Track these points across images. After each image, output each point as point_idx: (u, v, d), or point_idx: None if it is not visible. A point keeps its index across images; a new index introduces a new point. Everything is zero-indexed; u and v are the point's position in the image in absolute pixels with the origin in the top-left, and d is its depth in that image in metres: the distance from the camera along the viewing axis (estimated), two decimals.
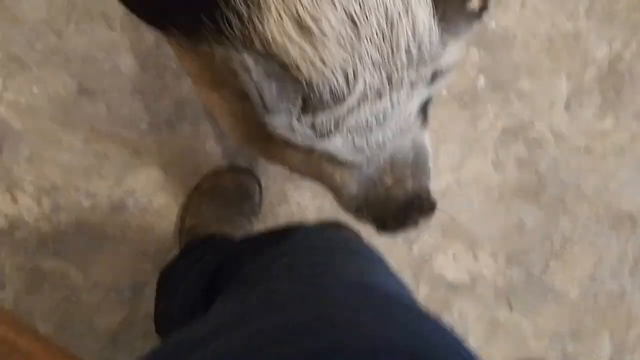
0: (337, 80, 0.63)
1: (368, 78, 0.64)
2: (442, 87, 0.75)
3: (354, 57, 0.63)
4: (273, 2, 0.60)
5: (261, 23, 0.61)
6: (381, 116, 0.68)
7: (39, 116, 1.23)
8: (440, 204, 1.32)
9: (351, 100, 0.65)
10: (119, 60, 1.23)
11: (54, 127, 1.23)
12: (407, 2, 0.63)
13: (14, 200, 1.23)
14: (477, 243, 1.37)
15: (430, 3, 0.65)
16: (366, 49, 0.62)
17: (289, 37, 0.60)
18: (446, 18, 0.66)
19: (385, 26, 0.62)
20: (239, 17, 0.62)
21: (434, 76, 0.71)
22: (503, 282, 1.38)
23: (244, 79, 0.61)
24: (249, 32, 0.63)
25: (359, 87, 0.64)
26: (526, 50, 1.34)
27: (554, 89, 1.35)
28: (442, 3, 0.65)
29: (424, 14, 0.64)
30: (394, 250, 1.34)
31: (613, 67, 1.36)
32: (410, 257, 1.35)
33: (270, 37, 0.61)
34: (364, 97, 0.66)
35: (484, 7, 0.65)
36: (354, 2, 0.60)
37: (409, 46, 0.64)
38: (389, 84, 0.66)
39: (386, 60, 0.64)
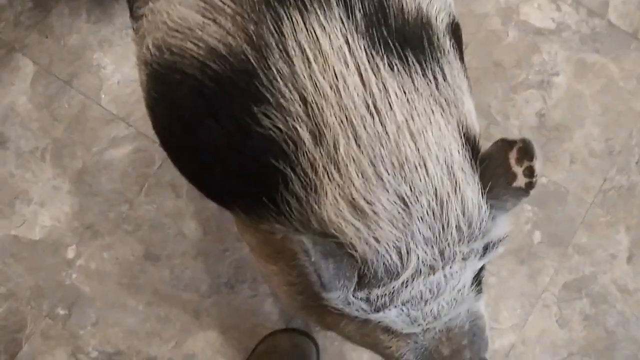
0: (390, 257, 0.66)
1: (421, 254, 0.67)
2: (495, 256, 0.76)
3: (406, 235, 0.66)
4: (329, 186, 0.65)
5: (318, 205, 0.66)
6: (435, 289, 0.70)
7: (107, 281, 1.29)
8: None
9: (405, 275, 0.68)
10: (183, 226, 1.31)
11: (119, 291, 1.28)
12: (455, 182, 0.67)
13: None
14: None
15: (478, 181, 0.69)
16: (418, 227, 0.66)
17: (344, 218, 0.64)
18: (493, 194, 0.69)
19: (435, 205, 0.66)
20: (298, 199, 0.67)
21: (486, 249, 0.73)
22: None
23: (302, 258, 0.64)
24: (307, 213, 0.67)
25: (412, 262, 0.67)
26: (580, 204, 1.34)
27: (613, 243, 1.33)
28: (489, 181, 0.69)
29: (473, 193, 0.68)
30: None
31: None
32: None
33: (326, 218, 0.66)
34: (417, 272, 0.68)
35: (530, 184, 0.68)
36: (404, 184, 0.65)
37: (459, 223, 0.67)
38: (441, 259, 0.69)
39: (437, 236, 0.67)
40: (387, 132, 0.64)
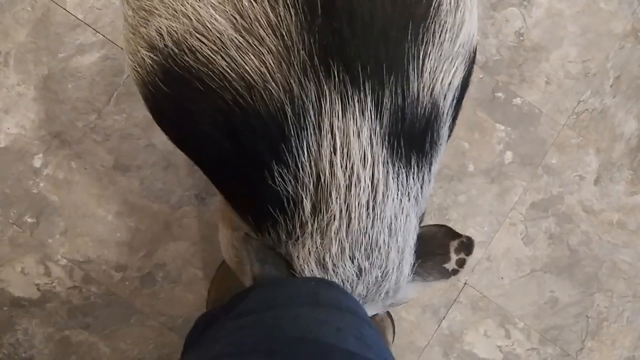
0: None
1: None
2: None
3: (348, 289, 0.79)
4: (309, 245, 0.74)
5: (293, 250, 0.75)
6: None
7: (75, 190, 1.27)
8: (470, 280, 1.31)
9: None
10: (153, 136, 1.28)
11: (88, 201, 1.27)
12: (402, 263, 0.78)
13: (47, 272, 1.26)
14: (508, 319, 1.34)
15: (414, 258, 0.81)
16: (360, 289, 0.78)
17: (308, 265, 0.75)
18: (424, 267, 0.81)
19: (380, 278, 0.78)
20: (279, 238, 0.76)
21: (390, 305, 0.87)
22: None
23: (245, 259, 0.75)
24: (280, 247, 0.77)
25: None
26: (553, 126, 1.35)
27: (582, 164, 1.35)
28: (427, 255, 0.81)
29: (408, 269, 0.80)
30: (423, 326, 1.31)
31: None
32: (440, 333, 1.32)
33: (294, 260, 0.75)
34: None
35: (455, 271, 0.80)
36: (367, 262, 0.76)
37: (389, 290, 0.80)
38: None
39: (368, 296, 0.80)
40: (373, 228, 0.74)
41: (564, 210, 1.35)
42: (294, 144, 0.70)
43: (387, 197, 0.74)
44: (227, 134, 0.73)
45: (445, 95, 0.76)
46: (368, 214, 0.74)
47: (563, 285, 1.34)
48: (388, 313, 1.28)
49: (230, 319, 0.74)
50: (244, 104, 0.70)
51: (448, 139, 0.83)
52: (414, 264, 0.81)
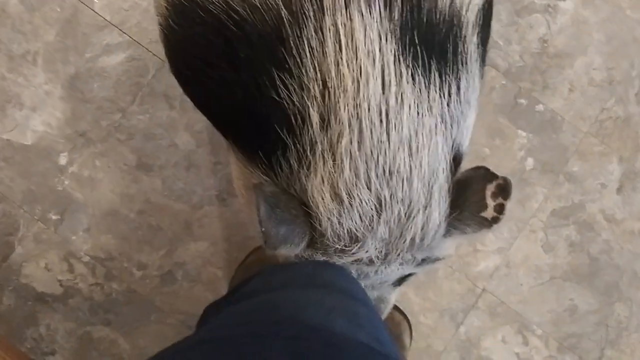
0: (345, 242, 0.71)
1: (371, 249, 0.72)
2: (427, 270, 0.82)
3: (368, 230, 0.70)
4: (321, 169, 0.68)
5: (306, 179, 0.69)
6: (362, 275, 0.76)
7: (99, 189, 1.29)
8: (488, 286, 1.30)
9: (347, 259, 0.73)
10: (176, 137, 1.30)
11: (112, 199, 1.29)
12: (430, 201, 0.70)
13: (71, 269, 1.28)
14: (526, 326, 1.33)
15: (447, 201, 0.73)
16: (380, 228, 0.70)
17: (323, 198, 0.69)
18: (460, 217, 0.73)
19: (403, 216, 0.70)
20: (290, 167, 0.71)
21: (424, 260, 0.78)
22: None
23: (257, 215, 0.67)
24: (293, 181, 0.71)
25: (360, 254, 0.72)
26: (575, 133, 1.34)
27: (605, 172, 1.34)
28: (462, 204, 0.73)
29: (439, 213, 0.72)
30: (440, 331, 1.31)
31: None
32: (457, 338, 1.32)
33: (308, 192, 0.70)
34: (357, 260, 0.73)
35: (496, 219, 0.73)
36: (386, 190, 0.68)
37: (415, 236, 0.72)
38: (383, 259, 0.74)
39: (392, 241, 0.72)
40: (389, 142, 0.67)
41: (585, 218, 1.34)
42: (293, 45, 0.65)
43: (403, 102, 0.66)
44: (231, 62, 0.69)
45: (468, 9, 0.70)
46: (381, 120, 0.66)
47: (583, 294, 1.33)
48: (405, 316, 1.28)
49: (227, 305, 0.73)
50: (239, 19, 0.67)
51: (482, 69, 0.75)
52: (449, 213, 0.73)
